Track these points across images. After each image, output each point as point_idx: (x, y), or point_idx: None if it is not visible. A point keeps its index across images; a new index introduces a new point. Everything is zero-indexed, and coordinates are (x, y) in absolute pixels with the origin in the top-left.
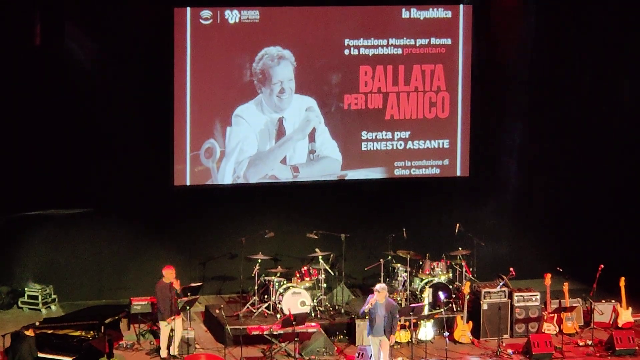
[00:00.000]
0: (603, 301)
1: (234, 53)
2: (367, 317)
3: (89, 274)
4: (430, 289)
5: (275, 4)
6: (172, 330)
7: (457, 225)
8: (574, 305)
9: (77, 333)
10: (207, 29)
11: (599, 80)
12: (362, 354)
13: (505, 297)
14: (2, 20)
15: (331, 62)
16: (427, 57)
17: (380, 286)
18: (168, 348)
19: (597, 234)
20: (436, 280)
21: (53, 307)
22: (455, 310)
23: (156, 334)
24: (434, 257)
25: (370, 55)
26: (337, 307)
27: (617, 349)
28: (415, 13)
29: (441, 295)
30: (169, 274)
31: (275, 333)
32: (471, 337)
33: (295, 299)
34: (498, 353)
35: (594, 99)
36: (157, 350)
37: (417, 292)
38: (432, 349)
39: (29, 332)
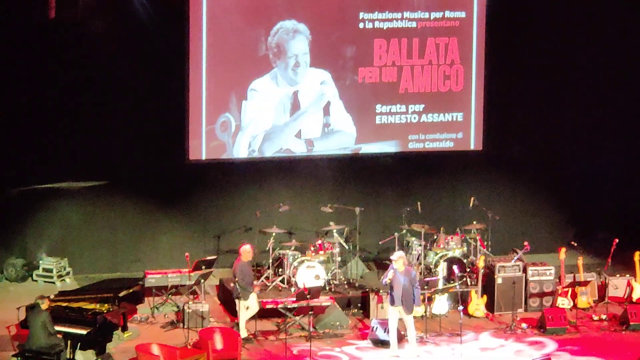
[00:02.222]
0: (617, 275)
1: (250, 27)
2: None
3: (104, 247)
4: (445, 263)
5: None
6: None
7: (472, 198)
8: (589, 279)
9: (92, 306)
10: (223, 3)
11: (616, 53)
12: (376, 327)
13: (519, 271)
14: None
15: (346, 35)
16: (442, 31)
17: (397, 254)
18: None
19: (612, 208)
20: (450, 254)
21: (68, 280)
22: (469, 284)
23: (170, 308)
24: (448, 231)
25: (384, 28)
26: (351, 281)
27: (631, 323)
28: None
29: (455, 269)
30: (247, 253)
31: (289, 307)
32: (485, 311)
33: (310, 272)
34: (512, 327)
35: (611, 72)
36: (172, 323)
37: (431, 266)
38: (447, 323)
39: (44, 306)
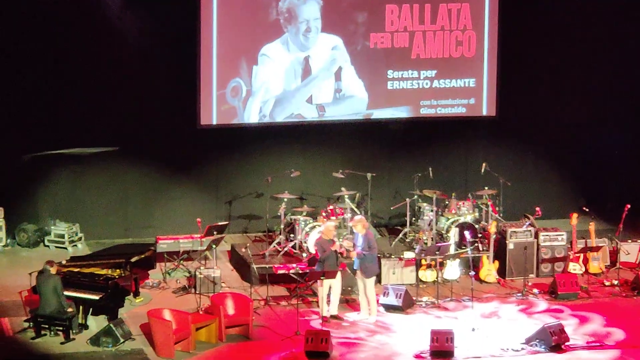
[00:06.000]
0: (629, 241)
1: None
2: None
3: (115, 213)
4: (456, 229)
5: None
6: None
7: (484, 164)
8: (600, 245)
9: (104, 271)
10: None
11: (635, 19)
12: (387, 292)
13: (531, 236)
14: None
15: (357, 0)
16: None
17: (356, 219)
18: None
19: (624, 173)
20: (462, 219)
21: (79, 245)
22: (481, 249)
23: (182, 273)
24: (460, 197)
25: None
26: None
27: None
28: None
29: (467, 234)
30: (328, 232)
31: (301, 272)
32: (497, 277)
33: None
34: (524, 292)
35: (629, 38)
36: (184, 288)
37: (443, 232)
38: (458, 289)
39: (53, 270)
